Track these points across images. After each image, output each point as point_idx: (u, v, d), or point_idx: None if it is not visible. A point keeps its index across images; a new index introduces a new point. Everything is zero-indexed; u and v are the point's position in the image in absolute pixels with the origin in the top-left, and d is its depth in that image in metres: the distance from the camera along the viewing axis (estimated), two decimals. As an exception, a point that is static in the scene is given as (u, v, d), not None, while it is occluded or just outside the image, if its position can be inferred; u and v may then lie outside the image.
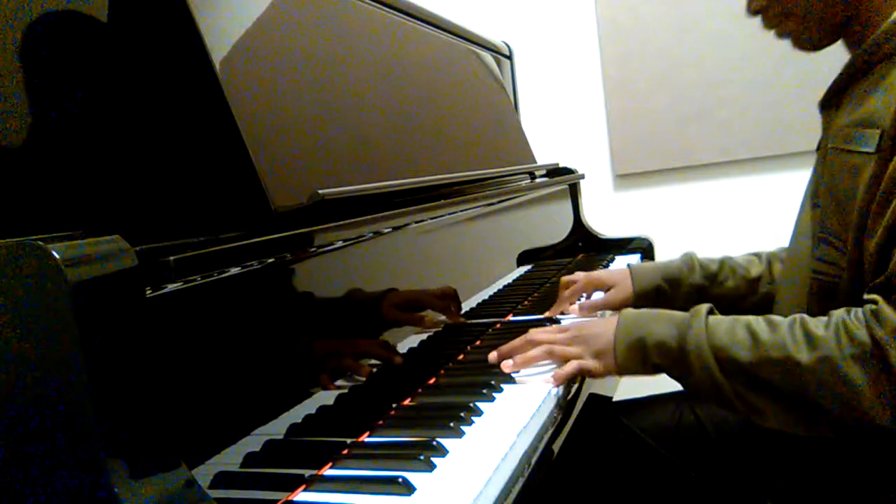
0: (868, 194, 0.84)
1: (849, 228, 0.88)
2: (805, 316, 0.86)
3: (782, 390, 0.83)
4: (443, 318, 1.14)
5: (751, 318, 0.88)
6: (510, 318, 1.32)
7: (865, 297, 0.82)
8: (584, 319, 1.24)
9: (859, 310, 0.82)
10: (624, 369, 0.94)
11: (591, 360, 0.96)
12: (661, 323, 0.92)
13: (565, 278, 1.36)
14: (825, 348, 0.81)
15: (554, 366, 0.99)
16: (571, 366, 0.95)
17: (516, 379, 0.97)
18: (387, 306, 0.99)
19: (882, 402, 0.78)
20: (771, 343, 0.83)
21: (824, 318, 0.84)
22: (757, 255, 1.27)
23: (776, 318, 0.87)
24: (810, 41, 0.97)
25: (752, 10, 0.98)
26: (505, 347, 1.02)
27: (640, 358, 0.92)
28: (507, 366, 0.99)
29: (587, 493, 1.20)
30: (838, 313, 0.83)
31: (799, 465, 0.97)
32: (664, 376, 0.95)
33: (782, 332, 0.84)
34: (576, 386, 1.02)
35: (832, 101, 0.99)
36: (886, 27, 0.87)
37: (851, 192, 0.87)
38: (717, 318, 0.90)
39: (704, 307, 0.91)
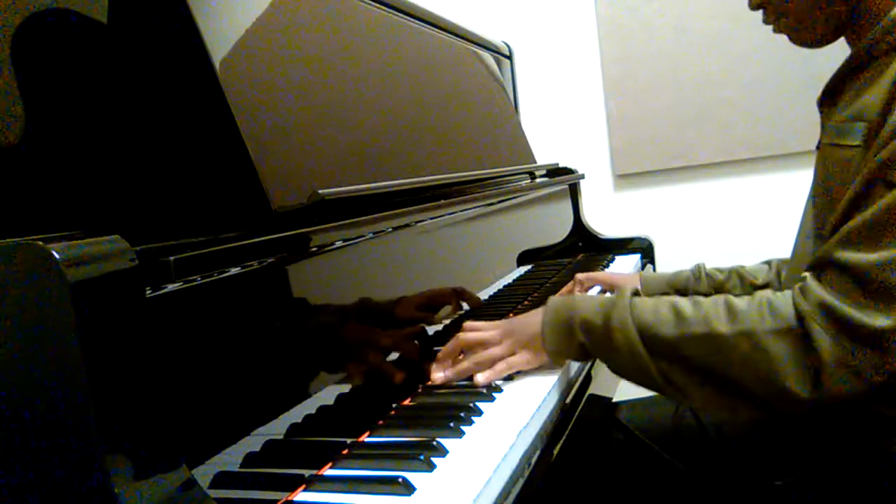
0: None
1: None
2: (730, 295, 0.86)
3: (705, 366, 0.83)
4: (447, 316, 1.14)
5: (676, 297, 0.89)
6: (510, 316, 1.31)
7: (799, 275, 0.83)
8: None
9: (789, 290, 0.83)
10: (552, 353, 0.94)
11: (520, 355, 0.96)
12: (586, 304, 0.92)
13: (582, 275, 1.40)
14: (747, 322, 0.81)
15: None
16: (499, 366, 0.95)
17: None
18: (390, 306, 0.99)
19: (802, 376, 0.78)
20: (694, 319, 0.84)
21: (748, 296, 0.84)
22: (768, 262, 1.28)
23: (701, 297, 0.87)
24: (810, 38, 0.97)
25: (753, 5, 0.99)
26: (441, 354, 1.00)
27: (567, 339, 0.92)
28: (438, 378, 0.97)
29: (587, 493, 1.20)
30: (762, 292, 0.85)
31: (799, 465, 0.97)
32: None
33: (706, 307, 0.84)
34: (576, 386, 1.02)
35: (830, 98, 0.99)
36: (885, 24, 0.87)
37: (844, 186, 0.86)
38: (642, 298, 0.90)
39: (629, 289, 0.92)
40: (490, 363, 0.95)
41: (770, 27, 1.01)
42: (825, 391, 0.78)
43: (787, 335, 0.79)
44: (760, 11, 0.99)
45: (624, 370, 0.89)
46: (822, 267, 0.82)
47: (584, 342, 0.91)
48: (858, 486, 0.90)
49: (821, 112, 1.02)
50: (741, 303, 0.84)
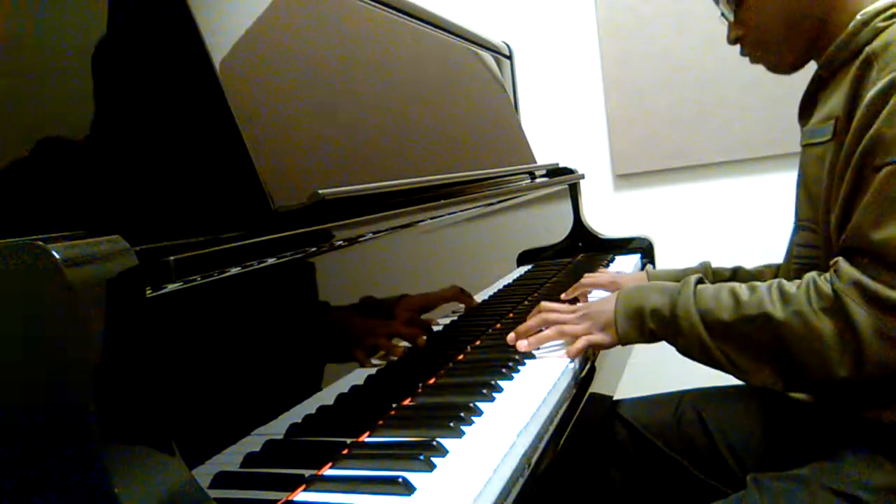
0: (830, 176, 0.95)
1: (819, 211, 0.98)
2: (782, 279, 0.94)
3: (761, 346, 0.91)
4: (446, 316, 1.15)
5: (735, 283, 0.96)
6: (511, 316, 1.32)
7: (831, 262, 0.91)
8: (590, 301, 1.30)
9: (828, 273, 0.91)
10: (625, 338, 1.03)
11: (597, 334, 1.05)
12: (655, 293, 1.01)
13: (590, 275, 1.45)
14: (797, 304, 0.89)
15: (560, 344, 1.08)
16: (581, 341, 1.05)
17: (536, 355, 1.07)
18: (391, 306, 0.99)
19: (845, 351, 0.85)
20: (750, 303, 0.92)
21: (798, 280, 0.92)
22: (768, 266, 1.30)
23: (757, 283, 0.95)
24: (783, 65, 1.10)
25: (731, 40, 1.13)
26: (521, 327, 1.11)
27: (638, 325, 1.01)
28: (522, 346, 1.08)
29: (588, 492, 1.20)
30: (810, 274, 0.92)
31: (799, 464, 0.97)
32: (664, 376, 0.95)
33: (760, 292, 0.92)
34: (577, 386, 1.02)
35: (805, 111, 1.09)
36: (838, 42, 0.99)
37: (818, 177, 0.98)
38: (705, 286, 0.98)
39: (693, 277, 1.00)
40: (571, 337, 1.06)
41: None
42: (867, 363, 0.85)
43: (828, 312, 0.87)
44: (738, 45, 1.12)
45: (691, 352, 0.97)
46: (849, 252, 0.89)
47: (653, 328, 0.99)
48: (858, 485, 0.90)
49: (800, 125, 1.11)
50: (791, 286, 0.91)
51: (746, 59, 1.16)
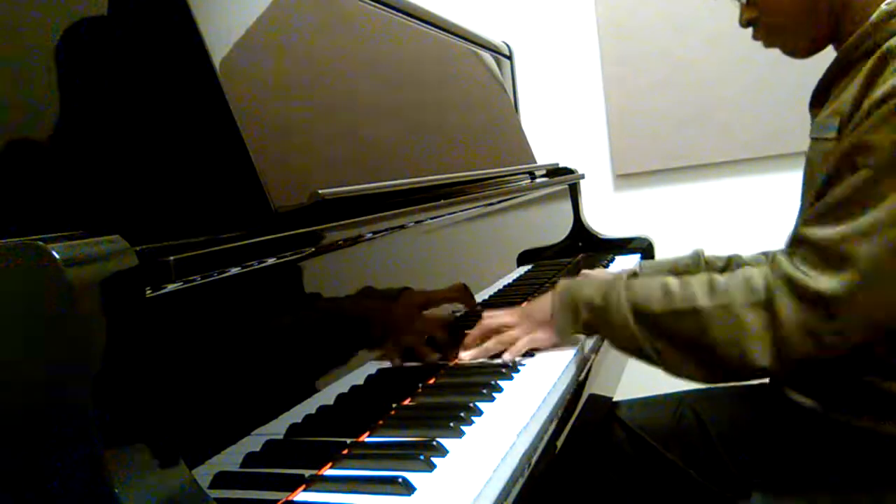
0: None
1: None
2: (714, 274, 0.94)
3: (689, 340, 0.91)
4: (449, 314, 1.15)
5: (669, 277, 0.97)
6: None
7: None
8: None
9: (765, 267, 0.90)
10: (561, 331, 1.04)
11: (538, 332, 1.06)
12: (589, 285, 1.02)
13: (585, 272, 1.42)
14: (724, 297, 0.89)
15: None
16: (520, 343, 1.05)
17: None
18: (390, 306, 0.99)
19: (767, 347, 0.86)
20: (679, 295, 0.92)
21: (730, 273, 0.92)
22: (765, 253, 1.28)
23: (691, 276, 0.95)
24: (800, 49, 1.05)
25: (743, 23, 1.07)
26: (467, 339, 1.10)
27: (573, 317, 1.02)
28: (464, 356, 1.07)
29: (587, 493, 1.20)
30: (744, 268, 0.92)
31: (799, 464, 0.97)
32: (663, 377, 0.95)
33: (691, 284, 0.92)
34: (576, 387, 1.02)
35: (817, 100, 1.05)
36: (863, 29, 0.93)
37: (822, 176, 0.93)
38: (638, 278, 0.99)
39: (628, 270, 1.02)
40: (511, 342, 1.06)
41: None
42: (788, 357, 0.85)
43: (757, 307, 0.87)
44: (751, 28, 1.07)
45: (622, 345, 0.98)
46: (793, 244, 0.90)
47: (587, 319, 1.00)
48: (858, 486, 0.90)
49: (811, 114, 1.07)
50: (722, 279, 0.91)
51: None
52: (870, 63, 0.89)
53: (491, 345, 1.07)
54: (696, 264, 1.29)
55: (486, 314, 1.12)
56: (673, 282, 0.94)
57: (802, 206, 1.05)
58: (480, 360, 1.08)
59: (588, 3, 2.43)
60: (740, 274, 0.90)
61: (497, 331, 1.08)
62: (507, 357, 1.04)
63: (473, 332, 1.10)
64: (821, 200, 0.88)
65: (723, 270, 1.28)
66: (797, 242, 0.89)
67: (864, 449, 0.92)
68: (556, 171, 2.00)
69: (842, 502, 0.89)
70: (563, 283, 1.06)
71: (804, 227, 0.89)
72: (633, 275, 1.00)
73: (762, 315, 0.86)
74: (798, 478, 0.98)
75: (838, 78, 0.99)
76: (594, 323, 1.00)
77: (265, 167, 0.82)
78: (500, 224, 1.50)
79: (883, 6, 0.92)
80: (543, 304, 1.07)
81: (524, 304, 1.14)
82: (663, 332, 0.93)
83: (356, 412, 0.85)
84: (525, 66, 2.37)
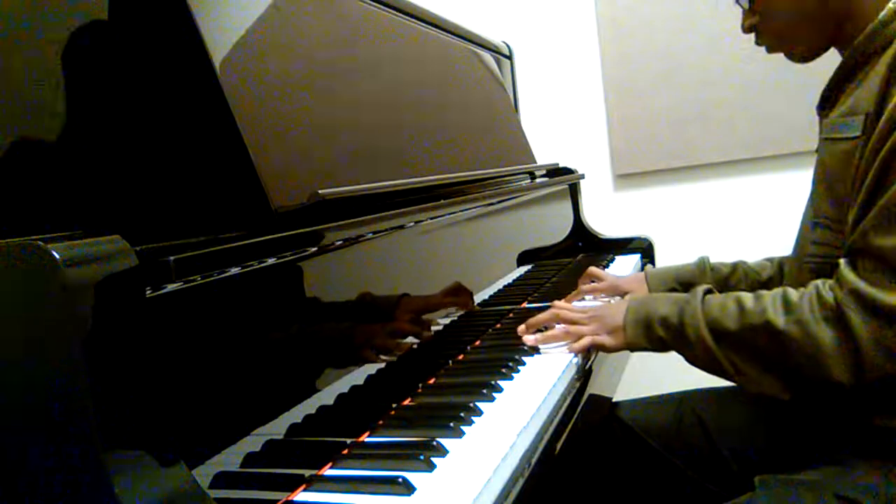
0: (857, 175, 0.91)
1: (842, 210, 0.94)
2: (788, 288, 0.93)
3: (765, 354, 0.91)
4: (446, 316, 1.15)
5: (742, 293, 0.96)
6: (510, 316, 1.32)
7: (838, 265, 0.90)
8: (600, 304, 1.31)
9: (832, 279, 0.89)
10: (632, 344, 1.04)
11: (604, 336, 1.06)
12: (664, 302, 1.02)
13: (593, 269, 1.46)
14: (799, 312, 0.89)
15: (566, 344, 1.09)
16: (585, 339, 1.06)
17: (541, 349, 1.09)
18: (390, 306, 0.99)
19: (844, 361, 0.86)
20: (754, 312, 0.92)
21: (803, 288, 0.92)
22: (770, 259, 1.29)
23: (763, 291, 0.95)
24: (803, 53, 1.06)
25: (746, 29, 1.09)
26: (532, 320, 1.13)
27: (646, 333, 1.02)
28: (529, 340, 1.10)
29: (587, 493, 1.20)
30: (814, 282, 0.91)
31: (798, 461, 0.97)
32: (664, 377, 0.95)
33: (764, 301, 0.92)
34: (576, 387, 1.02)
35: (826, 102, 1.04)
36: (868, 31, 0.94)
37: (843, 175, 0.94)
38: (713, 295, 0.99)
39: (702, 287, 1.01)
40: (578, 337, 1.07)
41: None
42: (866, 372, 0.85)
43: (829, 321, 0.87)
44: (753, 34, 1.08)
45: (696, 359, 0.98)
46: (853, 254, 0.89)
47: (662, 336, 1.00)
48: (858, 486, 0.90)
49: (820, 116, 1.06)
50: (795, 294, 0.91)
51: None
52: (886, 59, 0.89)
53: (559, 332, 1.09)
54: (702, 272, 1.30)
55: (557, 304, 1.15)
56: (746, 297, 0.94)
57: (812, 206, 1.04)
58: (484, 358, 1.08)
59: (588, 3, 2.43)
60: (810, 287, 0.90)
61: (567, 322, 1.10)
62: (575, 347, 1.07)
63: (541, 316, 1.13)
64: (877, 205, 0.86)
65: (728, 277, 1.28)
66: (859, 251, 0.87)
67: (873, 447, 0.92)
68: (556, 171, 2.00)
69: (842, 500, 0.89)
70: (637, 297, 1.07)
71: (863, 236, 0.87)
72: (709, 291, 1.00)
73: (835, 329, 0.86)
74: (798, 478, 0.98)
75: (849, 77, 0.99)
76: (670, 340, 1.00)
77: (265, 167, 0.82)
78: (500, 224, 1.50)
79: (890, 4, 0.93)
80: (616, 311, 1.07)
81: (597, 306, 1.15)
82: (741, 349, 0.93)
83: (356, 412, 0.85)
84: (525, 66, 2.37)
